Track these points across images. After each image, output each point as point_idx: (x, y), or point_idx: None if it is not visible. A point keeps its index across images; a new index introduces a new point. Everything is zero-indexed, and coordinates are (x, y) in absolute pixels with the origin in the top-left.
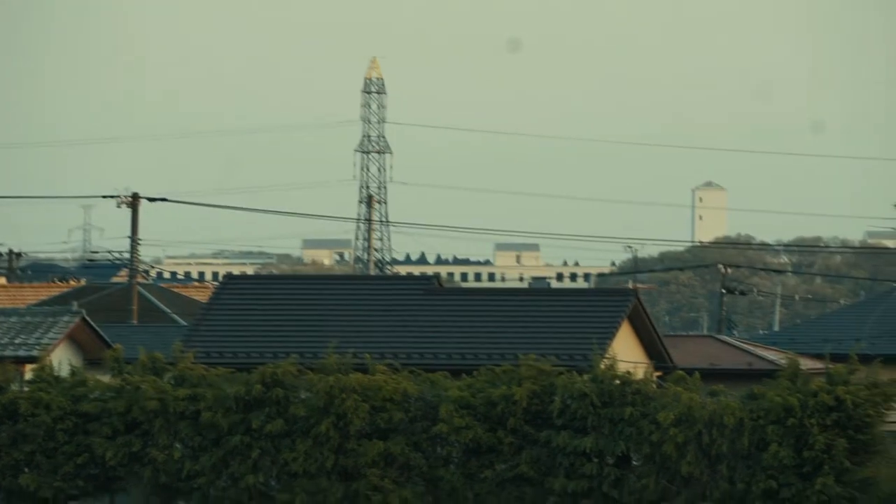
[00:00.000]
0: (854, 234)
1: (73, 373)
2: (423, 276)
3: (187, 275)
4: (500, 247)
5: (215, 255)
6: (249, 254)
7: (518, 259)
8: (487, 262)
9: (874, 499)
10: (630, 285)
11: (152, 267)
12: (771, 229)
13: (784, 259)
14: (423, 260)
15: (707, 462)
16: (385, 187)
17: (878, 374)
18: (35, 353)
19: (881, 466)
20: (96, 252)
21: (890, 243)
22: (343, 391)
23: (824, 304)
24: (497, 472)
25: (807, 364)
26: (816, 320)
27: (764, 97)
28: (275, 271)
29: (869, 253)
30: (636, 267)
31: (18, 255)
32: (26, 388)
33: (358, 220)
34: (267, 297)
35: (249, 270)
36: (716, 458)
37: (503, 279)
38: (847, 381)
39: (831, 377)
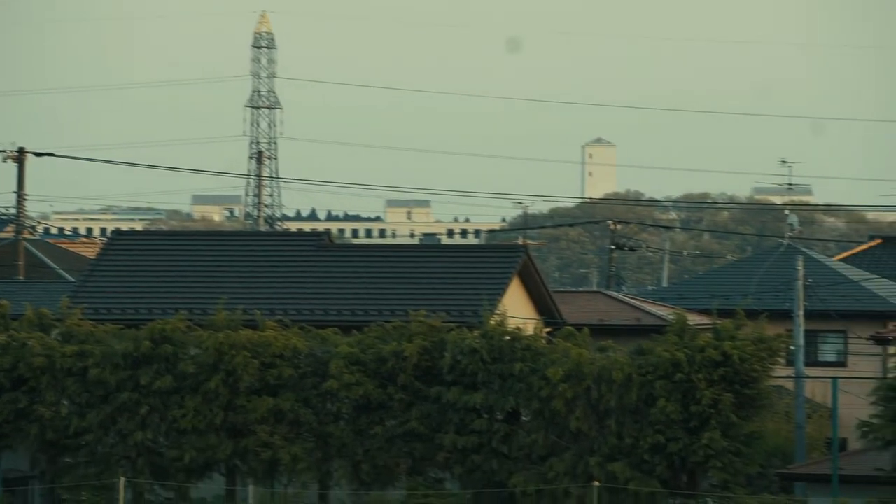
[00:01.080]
0: (741, 190)
1: None
2: (314, 233)
3: (75, 230)
4: (391, 203)
5: (103, 211)
6: (138, 209)
7: (409, 215)
8: (378, 219)
9: (760, 452)
10: (520, 241)
11: (39, 222)
12: (660, 185)
13: (672, 215)
14: (313, 216)
15: (596, 417)
16: (275, 143)
17: (764, 330)
18: None
19: (767, 420)
20: None
21: (777, 199)
22: (232, 348)
23: (712, 260)
24: (387, 428)
25: (694, 320)
26: (704, 276)
27: (652, 54)
28: (164, 227)
29: (756, 209)
30: (526, 223)
31: None
32: None
33: (248, 175)
34: (156, 254)
35: (138, 226)
36: (604, 413)
37: (394, 235)
38: (734, 337)
39: (718, 333)
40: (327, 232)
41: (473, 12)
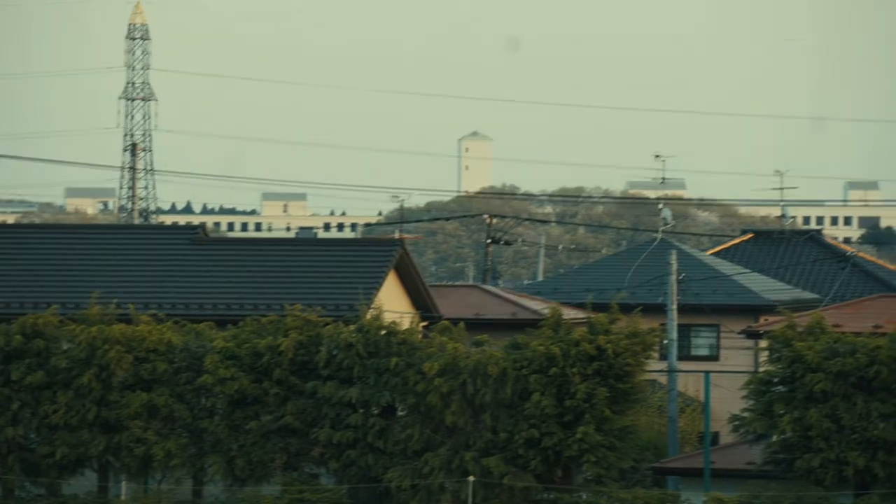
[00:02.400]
0: (616, 184)
1: None
2: (189, 226)
3: None
4: (267, 196)
5: None
6: (10, 202)
7: (285, 208)
8: (254, 212)
9: (633, 446)
10: (396, 235)
11: None
12: (535, 179)
13: (548, 209)
14: (188, 209)
15: (471, 412)
16: (150, 135)
17: (638, 324)
18: None
19: (640, 415)
20: None
21: (651, 194)
22: (106, 342)
23: (587, 254)
24: (262, 423)
25: (569, 313)
26: (579, 270)
27: (529, 48)
28: (36, 220)
29: (630, 203)
30: (403, 217)
31: None
32: None
33: (122, 168)
34: (28, 247)
35: (10, 220)
36: (480, 407)
37: (270, 229)
38: (608, 331)
39: (593, 327)
40: (202, 225)
41: (351, 4)
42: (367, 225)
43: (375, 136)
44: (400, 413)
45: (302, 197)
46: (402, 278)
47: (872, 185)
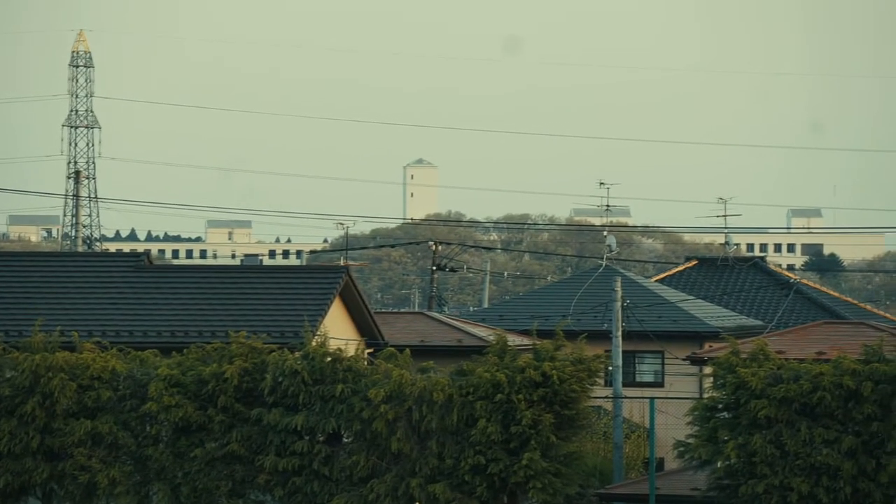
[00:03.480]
0: (561, 211)
1: None
2: (133, 253)
3: None
4: (212, 224)
5: None
6: None
7: (230, 236)
8: (199, 239)
9: (579, 472)
10: (342, 262)
11: None
12: (481, 206)
13: (494, 236)
14: (133, 237)
15: (417, 438)
16: (94, 163)
17: (583, 350)
18: None
19: (586, 441)
20: None
21: (596, 220)
22: (49, 370)
23: (532, 281)
24: (207, 451)
25: (515, 340)
26: (524, 297)
27: (474, 74)
28: None
29: (575, 230)
30: (348, 244)
31: None
32: None
33: (65, 195)
34: None
35: None
36: (425, 434)
37: (215, 256)
38: (553, 357)
39: (538, 353)
40: (147, 252)
41: (293, 34)
42: (313, 252)
43: (320, 164)
44: (346, 440)
45: (247, 224)
46: (347, 305)
47: (815, 213)
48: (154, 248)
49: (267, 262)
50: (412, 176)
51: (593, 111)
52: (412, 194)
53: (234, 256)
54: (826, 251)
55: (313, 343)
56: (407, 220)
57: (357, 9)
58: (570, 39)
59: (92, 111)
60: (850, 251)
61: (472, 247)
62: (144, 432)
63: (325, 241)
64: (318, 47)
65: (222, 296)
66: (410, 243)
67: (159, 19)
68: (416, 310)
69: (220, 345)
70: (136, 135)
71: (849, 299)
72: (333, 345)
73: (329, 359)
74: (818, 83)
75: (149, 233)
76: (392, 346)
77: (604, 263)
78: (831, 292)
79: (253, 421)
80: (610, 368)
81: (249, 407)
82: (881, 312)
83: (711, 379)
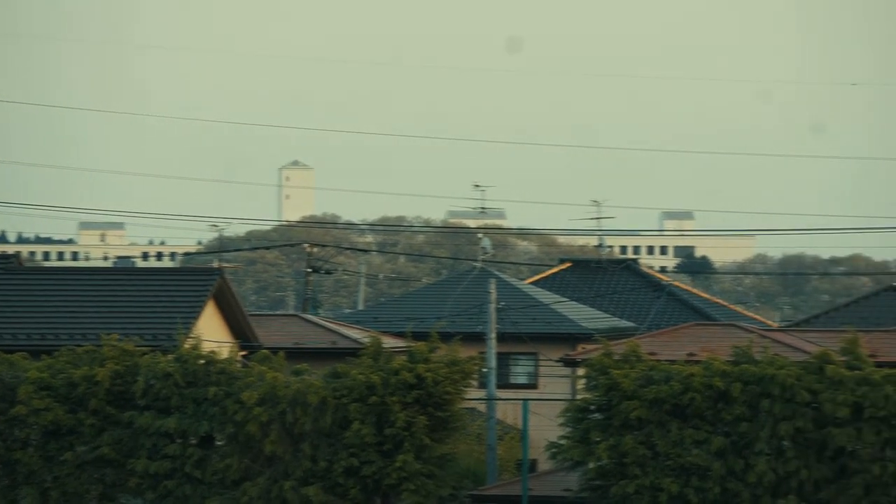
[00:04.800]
0: (437, 213)
1: None
2: (2, 255)
3: None
4: (84, 225)
5: None
6: None
7: (103, 238)
8: (71, 241)
9: (452, 474)
10: (216, 264)
11: None
12: (357, 208)
13: (369, 238)
14: (3, 239)
15: (290, 441)
16: None
17: (457, 352)
18: None
19: (459, 442)
20: None
21: (471, 223)
22: None
23: (407, 283)
24: (78, 454)
25: (389, 342)
26: (399, 299)
27: (350, 77)
28: None
29: (450, 233)
30: (222, 246)
31: None
32: None
33: None
34: None
35: None
36: (299, 436)
37: (87, 258)
38: (428, 360)
39: (412, 355)
40: (17, 254)
41: (174, 32)
42: (187, 254)
43: (195, 166)
44: (219, 442)
45: (120, 226)
46: (221, 307)
47: (687, 215)
48: (24, 249)
49: (140, 264)
50: (287, 178)
51: (469, 113)
52: (288, 196)
53: (106, 258)
54: (698, 254)
55: (186, 345)
56: (282, 222)
57: (229, 9)
58: (441, 41)
59: None
60: (722, 253)
61: (348, 249)
62: (13, 436)
63: (199, 243)
64: (191, 50)
65: (94, 298)
66: (285, 245)
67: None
68: (291, 312)
69: (91, 347)
70: (7, 135)
71: (720, 301)
72: (207, 347)
73: (202, 361)
74: (683, 85)
75: (19, 234)
76: (266, 348)
77: (478, 265)
78: (703, 294)
79: (124, 424)
80: (484, 370)
81: (121, 410)
82: (751, 314)
83: (584, 380)
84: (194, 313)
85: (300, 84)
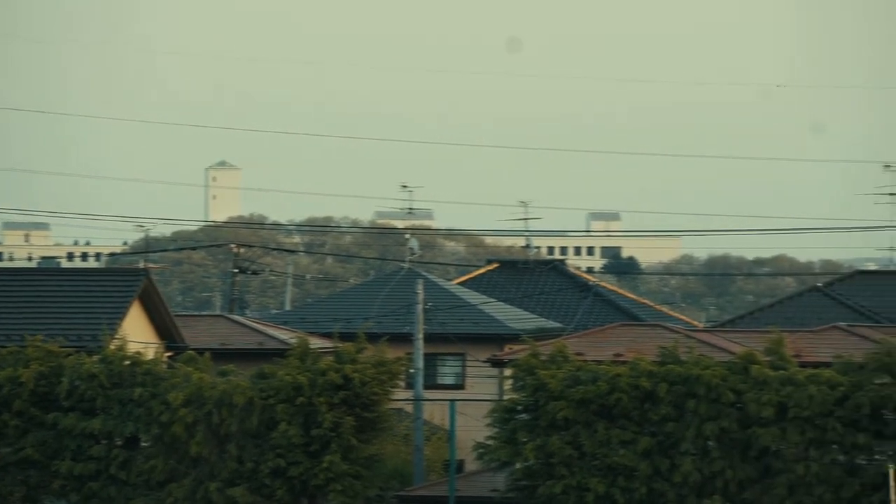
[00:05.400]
0: (364, 214)
1: None
2: None
3: None
4: (8, 225)
5: None
6: None
7: (27, 238)
8: None
9: (379, 475)
10: (141, 265)
11: None
12: (284, 209)
13: (296, 239)
14: None
15: (216, 442)
16: None
17: (384, 353)
18: None
19: (387, 443)
20: None
21: (398, 223)
22: None
23: (335, 284)
24: (1, 456)
25: (316, 343)
26: (327, 299)
27: (278, 77)
28: None
29: (378, 233)
30: (148, 246)
31: None
32: None
33: None
34: None
35: None
36: (225, 437)
37: (11, 259)
38: (355, 360)
39: (340, 356)
40: None
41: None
42: (112, 255)
43: (121, 166)
44: (144, 444)
45: (45, 226)
46: (147, 308)
47: (614, 216)
48: None
49: (65, 264)
50: (214, 178)
51: (397, 115)
52: (214, 196)
53: (31, 259)
54: (624, 254)
55: (111, 347)
56: (209, 223)
57: (155, 6)
58: (371, 43)
59: None
60: (648, 254)
61: (275, 249)
62: None
63: (125, 243)
64: (116, 45)
65: (18, 299)
66: (212, 246)
67: None
68: (218, 313)
69: (15, 348)
70: None
71: (646, 302)
72: (132, 348)
73: (127, 362)
74: (611, 87)
75: None
76: (192, 349)
77: (406, 266)
78: (629, 295)
79: (49, 425)
80: (411, 371)
81: (45, 411)
82: (677, 315)
83: (511, 381)
84: (119, 314)
85: (228, 84)
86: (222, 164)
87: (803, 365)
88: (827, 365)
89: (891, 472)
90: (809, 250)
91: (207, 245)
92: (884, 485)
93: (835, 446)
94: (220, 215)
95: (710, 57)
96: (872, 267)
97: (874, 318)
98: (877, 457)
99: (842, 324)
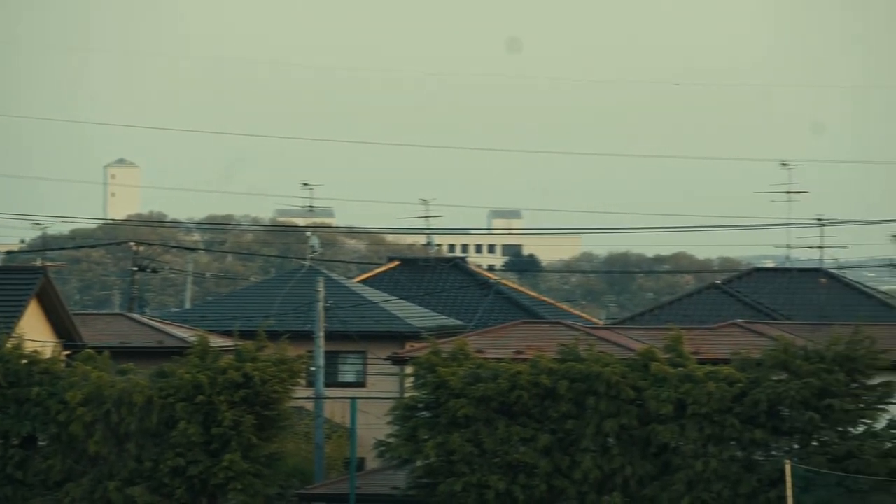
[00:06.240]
0: (265, 212)
1: None
2: None
3: None
4: None
5: None
6: None
7: None
8: None
9: (280, 473)
10: (39, 263)
11: None
12: (184, 207)
13: (196, 237)
14: None
15: (115, 441)
16: None
17: (285, 351)
18: None
19: (287, 441)
20: None
21: (300, 221)
22: None
23: (236, 282)
24: None
25: (217, 341)
26: (227, 298)
27: (177, 73)
28: None
29: (279, 231)
30: (46, 244)
31: None
32: None
33: None
34: None
35: None
36: (124, 436)
37: None
38: (255, 358)
39: (240, 354)
40: None
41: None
42: (9, 253)
43: (17, 163)
44: (41, 443)
45: None
46: (44, 307)
47: (515, 214)
48: None
49: None
50: (113, 176)
51: (298, 112)
52: (113, 194)
53: None
54: (525, 252)
55: (8, 345)
56: (108, 221)
57: (53, 5)
58: (271, 37)
59: None
60: (549, 252)
61: (175, 247)
62: None
63: (22, 241)
64: (20, 43)
65: None
66: (111, 244)
67: None
68: (117, 311)
69: None
70: None
71: (547, 299)
72: (29, 347)
73: (25, 361)
74: (512, 84)
75: None
76: (91, 347)
77: (307, 264)
78: (530, 293)
79: None
80: (312, 369)
81: None
82: (578, 312)
83: (412, 379)
84: (16, 313)
85: (128, 81)
86: (121, 161)
87: (702, 362)
88: (725, 362)
89: (787, 467)
90: (708, 248)
91: (106, 243)
92: (780, 480)
93: (733, 442)
94: (119, 213)
95: (615, 56)
96: (770, 264)
97: (772, 314)
98: (773, 452)
99: (740, 321)
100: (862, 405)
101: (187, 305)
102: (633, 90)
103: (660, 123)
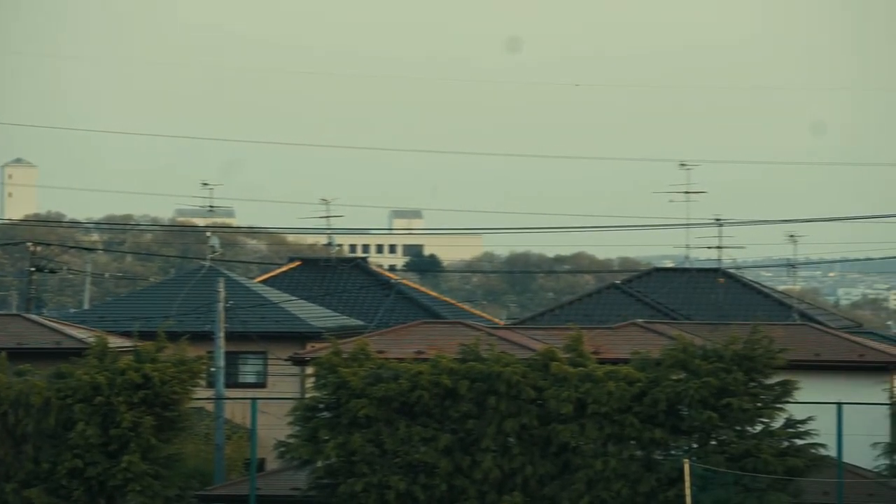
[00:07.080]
0: (164, 212)
1: None
2: None
3: None
4: None
5: None
6: None
7: None
8: None
9: (179, 474)
10: None
11: None
12: (82, 207)
13: (95, 237)
14: None
15: (12, 442)
16: None
17: (185, 352)
18: None
19: (187, 442)
20: None
21: (200, 222)
22: None
23: (135, 282)
24: None
25: (116, 342)
26: (127, 298)
27: (77, 73)
28: None
29: (179, 231)
30: None
31: None
32: None
33: None
34: None
35: None
36: (22, 438)
37: None
38: (155, 359)
39: (139, 355)
40: None
41: None
42: None
43: None
44: None
45: None
46: None
47: (416, 214)
48: None
49: None
50: (10, 175)
51: (194, 112)
52: (10, 194)
53: None
54: (426, 252)
55: None
56: (4, 221)
57: None
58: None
59: None
60: (450, 252)
61: (73, 247)
62: None
63: None
64: None
65: None
66: (8, 244)
67: None
68: (14, 312)
69: None
70: None
71: (447, 299)
72: None
73: None
74: (421, 85)
75: None
76: None
77: (207, 264)
78: (431, 293)
79: None
80: (212, 369)
81: None
82: (478, 312)
83: (313, 379)
84: None
85: (27, 80)
86: (18, 160)
87: (602, 361)
88: (625, 361)
89: (686, 466)
90: (608, 248)
91: (3, 243)
92: (679, 479)
93: (632, 442)
94: (16, 213)
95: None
96: (669, 264)
97: (671, 314)
98: (673, 452)
99: (639, 320)
100: (760, 404)
101: (86, 306)
102: (536, 90)
103: (562, 123)
